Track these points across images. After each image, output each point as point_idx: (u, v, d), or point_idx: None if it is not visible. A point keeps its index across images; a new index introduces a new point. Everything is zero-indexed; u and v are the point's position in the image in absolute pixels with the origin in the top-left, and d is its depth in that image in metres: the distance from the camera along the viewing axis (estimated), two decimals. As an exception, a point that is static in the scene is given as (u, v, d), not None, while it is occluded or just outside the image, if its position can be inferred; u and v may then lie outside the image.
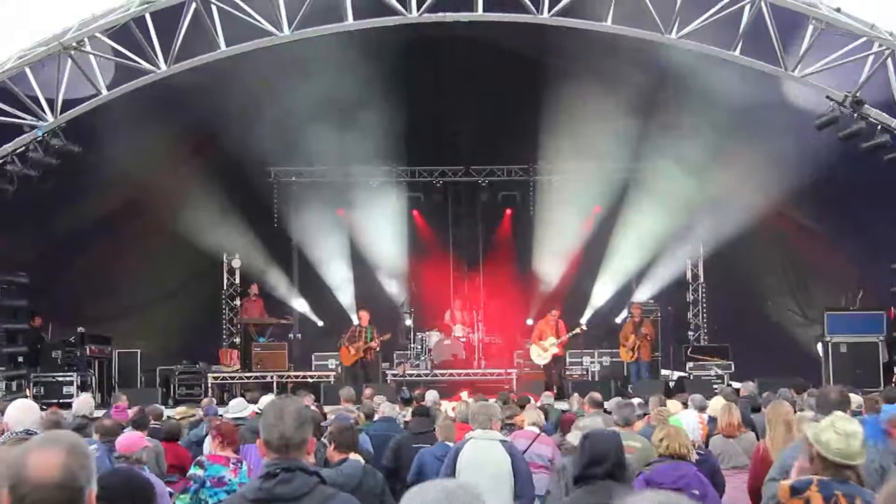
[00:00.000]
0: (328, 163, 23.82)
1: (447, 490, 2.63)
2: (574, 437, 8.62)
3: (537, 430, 10.33)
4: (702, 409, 11.75)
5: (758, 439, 9.81)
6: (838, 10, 16.31)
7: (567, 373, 22.39)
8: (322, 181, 24.96)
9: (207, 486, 7.28)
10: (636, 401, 13.36)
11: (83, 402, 11.78)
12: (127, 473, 5.51)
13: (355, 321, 22.36)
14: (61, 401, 17.26)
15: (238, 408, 12.22)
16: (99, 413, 12.85)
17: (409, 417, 12.75)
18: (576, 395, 15.79)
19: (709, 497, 7.12)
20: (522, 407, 12.59)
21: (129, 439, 7.91)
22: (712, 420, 10.84)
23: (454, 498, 2.61)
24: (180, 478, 10.03)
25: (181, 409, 14.02)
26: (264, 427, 4.14)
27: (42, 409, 8.36)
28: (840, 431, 5.06)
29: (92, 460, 2.90)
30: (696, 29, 16.41)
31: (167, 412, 15.56)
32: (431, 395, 14.58)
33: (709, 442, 9.93)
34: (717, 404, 11.25)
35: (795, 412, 8.73)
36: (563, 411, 14.00)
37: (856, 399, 10.14)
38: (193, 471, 7.59)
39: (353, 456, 7.99)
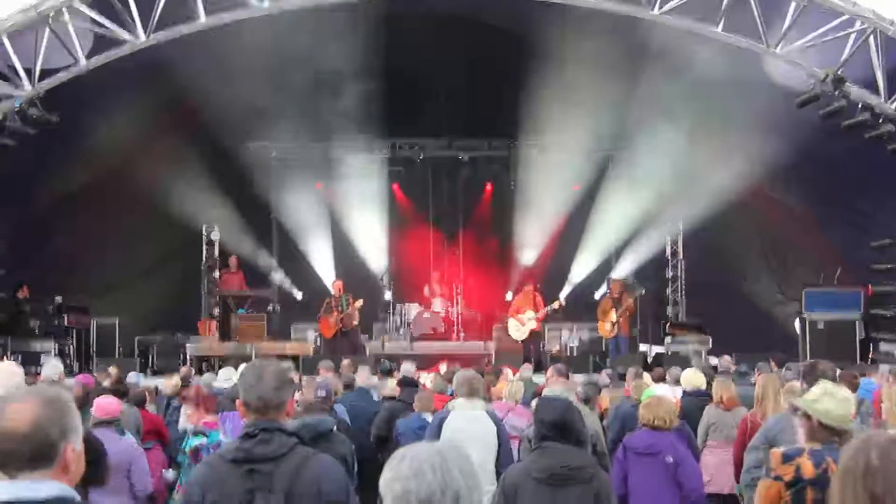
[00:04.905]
0: (308, 136, 23.73)
1: (439, 450, 2.68)
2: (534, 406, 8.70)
3: (513, 402, 10.35)
4: (678, 382, 11.86)
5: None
6: (821, -13, 16.33)
7: (545, 347, 22.42)
8: (302, 154, 24.86)
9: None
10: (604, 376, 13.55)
11: (52, 367, 11.75)
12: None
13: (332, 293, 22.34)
14: (38, 369, 17.19)
15: (226, 376, 12.44)
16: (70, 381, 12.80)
17: (387, 390, 12.75)
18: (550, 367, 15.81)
19: (685, 463, 7.53)
20: (497, 377, 12.69)
21: (107, 403, 7.92)
22: (686, 393, 11.00)
23: (446, 457, 2.65)
24: (156, 443, 10.09)
25: (175, 380, 14.00)
26: (243, 388, 4.15)
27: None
28: (838, 397, 5.11)
29: (72, 416, 2.88)
30: (679, 4, 16.39)
31: (152, 382, 15.65)
32: (407, 367, 14.55)
33: (705, 411, 10.15)
34: (687, 376, 11.36)
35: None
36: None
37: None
38: (199, 441, 7.76)
39: None
